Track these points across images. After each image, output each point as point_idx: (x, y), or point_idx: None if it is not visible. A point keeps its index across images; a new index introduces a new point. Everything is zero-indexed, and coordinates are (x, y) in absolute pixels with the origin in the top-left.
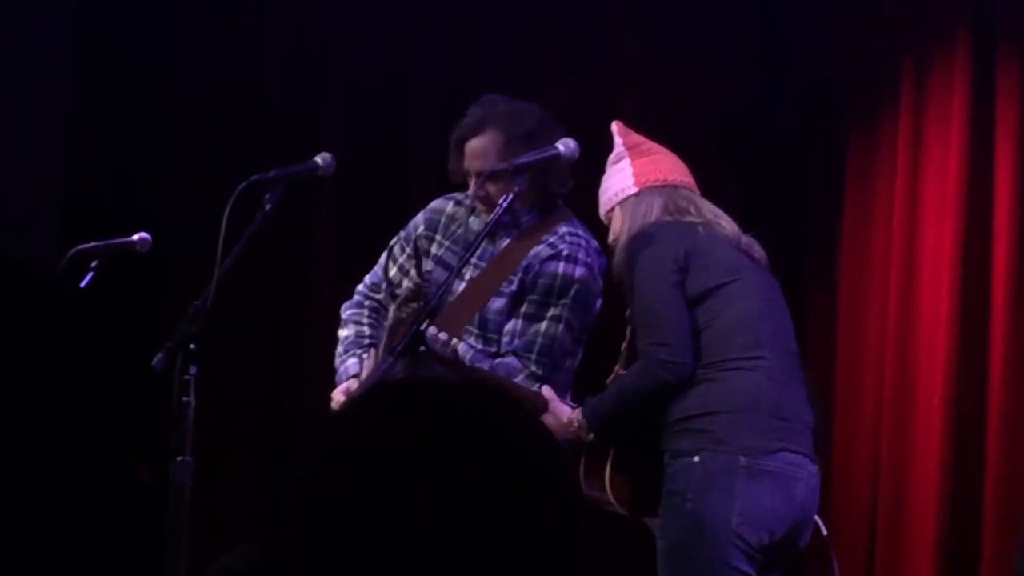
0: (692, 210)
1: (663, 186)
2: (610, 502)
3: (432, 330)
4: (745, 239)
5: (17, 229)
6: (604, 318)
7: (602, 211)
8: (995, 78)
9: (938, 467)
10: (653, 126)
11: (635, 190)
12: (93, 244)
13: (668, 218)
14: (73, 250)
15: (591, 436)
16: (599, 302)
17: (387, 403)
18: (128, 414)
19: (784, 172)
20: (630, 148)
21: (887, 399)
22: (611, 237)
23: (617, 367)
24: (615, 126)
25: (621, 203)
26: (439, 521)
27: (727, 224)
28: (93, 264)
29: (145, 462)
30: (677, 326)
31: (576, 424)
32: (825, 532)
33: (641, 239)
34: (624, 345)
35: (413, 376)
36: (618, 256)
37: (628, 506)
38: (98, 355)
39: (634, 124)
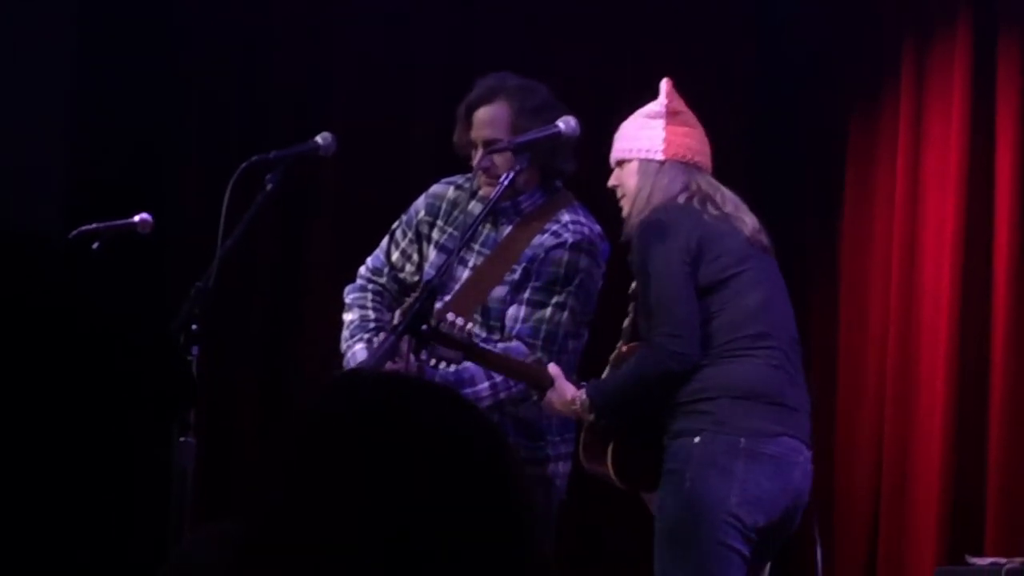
0: (718, 198)
1: (688, 163)
2: (611, 477)
3: (450, 315)
4: (760, 232)
5: (19, 210)
6: (606, 301)
7: (616, 154)
8: (996, 57)
9: (941, 446)
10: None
11: (661, 158)
12: (95, 225)
13: (682, 200)
14: (75, 231)
15: (592, 416)
16: (600, 284)
17: (342, 399)
18: (162, 397)
19: (785, 152)
20: (670, 112)
21: (890, 377)
22: (614, 181)
23: (620, 343)
24: (665, 84)
25: (642, 161)
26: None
27: (748, 218)
28: (95, 245)
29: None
30: (689, 319)
31: (579, 403)
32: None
33: (656, 225)
34: (627, 322)
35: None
36: (631, 237)
37: (628, 482)
38: (125, 333)
39: (635, 102)
